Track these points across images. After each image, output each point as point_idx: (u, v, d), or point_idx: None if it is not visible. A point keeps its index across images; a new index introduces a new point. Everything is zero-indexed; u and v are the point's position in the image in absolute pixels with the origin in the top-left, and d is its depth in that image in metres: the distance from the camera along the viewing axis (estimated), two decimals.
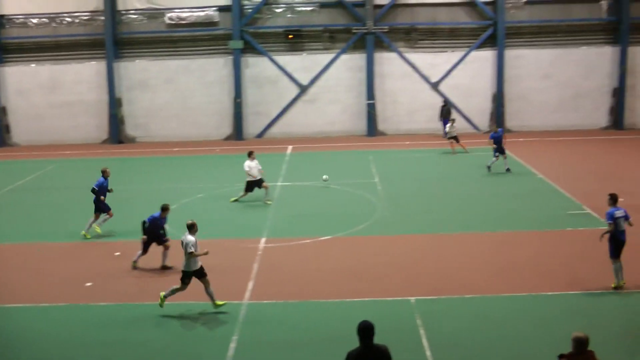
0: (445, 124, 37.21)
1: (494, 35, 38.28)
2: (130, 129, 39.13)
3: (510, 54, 38.59)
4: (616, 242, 15.69)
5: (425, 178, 27.96)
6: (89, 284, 16.88)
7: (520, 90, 39.00)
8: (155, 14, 38.23)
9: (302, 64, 38.67)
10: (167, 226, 18.26)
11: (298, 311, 14.99)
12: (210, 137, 38.89)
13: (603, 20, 39.20)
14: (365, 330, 8.77)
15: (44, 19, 38.54)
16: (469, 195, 25.07)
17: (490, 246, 19.21)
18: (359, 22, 38.16)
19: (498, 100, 38.52)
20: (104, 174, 21.17)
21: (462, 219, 22.01)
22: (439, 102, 38.29)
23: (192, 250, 14.52)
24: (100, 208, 20.89)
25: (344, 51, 38.45)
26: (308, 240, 19.96)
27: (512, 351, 12.94)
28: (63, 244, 20.67)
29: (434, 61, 38.71)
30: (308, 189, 26.68)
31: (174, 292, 14.92)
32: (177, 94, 38.67)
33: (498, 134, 28.95)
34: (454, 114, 36.84)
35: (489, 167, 28.66)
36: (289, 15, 38.48)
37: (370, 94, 38.37)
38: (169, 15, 38.01)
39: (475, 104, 39.00)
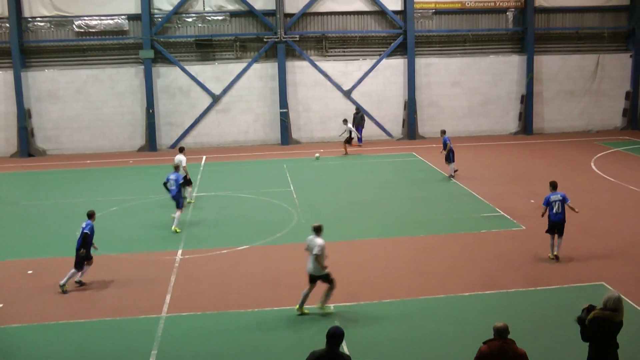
0: (358, 131, 37.73)
1: (404, 43, 39.07)
2: (40, 142, 37.96)
3: (421, 62, 39.45)
4: (549, 221, 18.33)
5: (341, 185, 28.22)
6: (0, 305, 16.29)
7: (431, 97, 39.92)
8: (63, 22, 37.24)
9: (214, 73, 38.43)
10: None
11: (217, 322, 14.84)
12: (123, 148, 38.17)
13: (509, 30, 40.61)
14: (334, 336, 9.12)
15: None
16: (384, 201, 25.44)
17: (406, 251, 19.57)
18: (270, 31, 38.26)
19: (410, 107, 39.21)
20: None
21: (378, 224, 22.33)
22: (351, 109, 38.77)
23: (318, 253, 14.44)
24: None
25: (255, 60, 38.42)
26: (225, 251, 19.81)
27: (431, 352, 13.26)
28: None
29: (345, 69, 39.20)
30: (224, 199, 26.47)
31: (306, 296, 14.89)
32: (87, 104, 37.77)
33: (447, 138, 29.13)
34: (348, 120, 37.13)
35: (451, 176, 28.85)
36: (199, 25, 38.19)
37: (283, 102, 38.47)
38: (77, 23, 37.12)
39: (387, 111, 39.72)
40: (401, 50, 39.44)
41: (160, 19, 37.55)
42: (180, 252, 19.81)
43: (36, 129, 37.70)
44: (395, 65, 39.47)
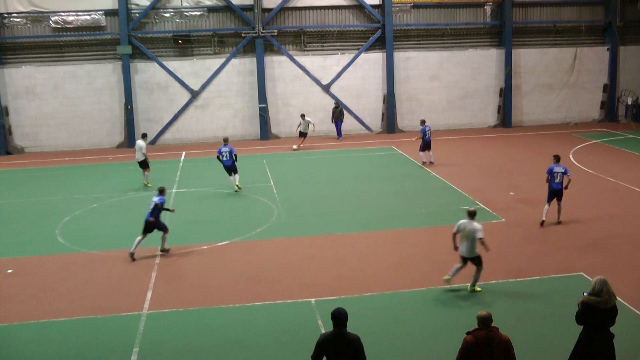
0: (338, 126, 37.80)
1: (382, 37, 39.14)
2: (18, 139, 37.63)
3: (400, 56, 39.53)
4: (550, 189, 20.92)
5: (321, 180, 28.24)
6: None
7: (410, 91, 40.04)
8: (39, 18, 36.87)
9: (192, 69, 38.29)
10: None
11: (198, 318, 14.81)
12: (101, 145, 37.98)
13: (487, 24, 40.84)
14: (338, 316, 9.60)
15: None
16: (363, 195, 25.50)
17: (385, 244, 19.62)
18: (248, 26, 38.15)
19: (389, 101, 39.30)
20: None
21: (357, 218, 22.37)
22: (330, 104, 38.83)
23: (482, 236, 15.15)
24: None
25: (233, 55, 38.31)
26: (205, 247, 19.77)
27: (412, 345, 13.30)
28: None
29: (324, 63, 39.21)
30: (204, 195, 26.41)
31: (458, 270, 15.74)
32: (65, 101, 37.47)
33: (424, 128, 29.96)
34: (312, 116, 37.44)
35: (424, 163, 30.24)
36: (177, 20, 37.99)
37: (262, 97, 38.42)
38: (53, 18, 36.77)
39: (366, 105, 39.77)
40: (380, 44, 39.50)
41: (137, 15, 37.29)
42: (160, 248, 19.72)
43: (14, 127, 37.37)
44: (373, 59, 39.52)
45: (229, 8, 38.08)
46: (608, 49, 42.68)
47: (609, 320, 10.35)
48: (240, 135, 38.86)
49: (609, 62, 42.77)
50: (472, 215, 15.47)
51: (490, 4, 40.56)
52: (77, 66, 37.41)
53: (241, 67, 38.61)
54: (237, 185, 26.26)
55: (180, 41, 37.91)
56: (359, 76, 39.57)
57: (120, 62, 37.27)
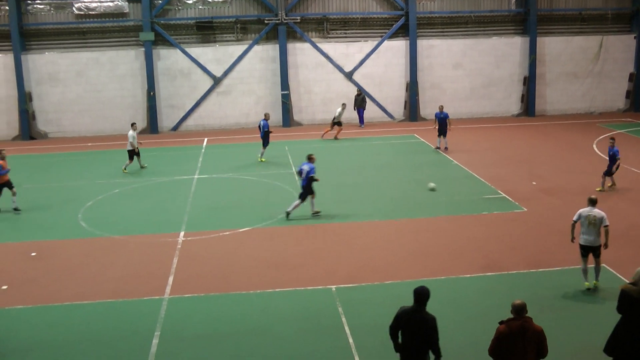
0: (360, 113, 37.69)
1: (405, 25, 38.88)
2: (41, 125, 37.93)
3: (423, 44, 39.29)
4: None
5: (342, 167, 28.18)
6: (4, 287, 16.26)
7: (433, 79, 39.83)
8: (62, 4, 37.06)
9: (215, 55, 38.31)
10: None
11: (219, 304, 14.89)
12: (124, 131, 37.69)
13: (512, 12, 40.44)
14: (420, 294, 9.90)
15: None
16: (385, 183, 25.43)
17: (407, 233, 19.56)
18: (270, 12, 38.08)
19: (412, 88, 39.13)
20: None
21: (379, 206, 22.32)
22: (353, 91, 38.71)
23: (608, 224, 14.64)
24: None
25: (256, 42, 38.28)
26: (227, 233, 19.84)
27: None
28: None
29: (347, 51, 39.05)
30: (225, 181, 26.48)
31: (586, 271, 15.06)
32: (88, 87, 37.70)
33: (443, 114, 30.40)
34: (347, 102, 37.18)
35: (437, 148, 30.77)
36: (200, 7, 38.01)
37: (285, 84, 38.38)
38: (76, 5, 36.93)
39: (389, 92, 39.62)
40: (403, 31, 39.28)
41: (160, 1, 37.36)
42: (182, 234, 19.85)
43: (37, 112, 37.66)
44: (397, 47, 39.32)
45: None
46: (635, 37, 41.99)
47: None
48: None
49: (635, 51, 42.08)
50: (593, 202, 14.95)
51: None
52: (100, 53, 37.58)
53: (264, 54, 38.58)
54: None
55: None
56: (382, 64, 39.39)
57: (143, 49, 37.39)
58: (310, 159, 21.32)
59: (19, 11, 36.66)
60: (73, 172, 28.96)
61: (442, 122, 30.51)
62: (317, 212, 21.16)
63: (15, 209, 22.46)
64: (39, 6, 37.07)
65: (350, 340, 12.96)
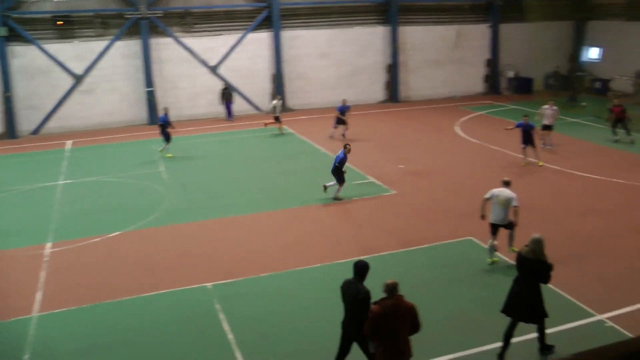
0: (228, 106, 37.40)
1: (269, 17, 38.75)
2: None
3: (287, 35, 39.38)
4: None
5: (211, 163, 27.79)
6: None
7: (299, 69, 40.01)
8: None
9: (75, 52, 36.62)
10: None
11: (94, 315, 14.19)
12: None
13: (374, 2, 41.34)
14: (359, 268, 10.39)
15: None
16: (257, 176, 25.32)
17: (280, 223, 19.57)
18: (132, 7, 36.89)
19: (278, 80, 39.19)
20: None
21: (252, 199, 22.20)
22: (219, 85, 38.29)
23: (517, 204, 15.22)
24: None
25: (118, 37, 36.96)
26: (97, 239, 18.98)
27: (312, 322, 13.37)
28: None
29: (211, 44, 38.51)
30: (92, 185, 25.31)
31: (493, 246, 15.74)
32: None
33: (345, 107, 30.88)
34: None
35: (331, 137, 31.17)
36: (56, 0, 36.37)
37: (149, 81, 37.42)
38: None
39: (255, 85, 39.49)
40: (267, 23, 39.19)
41: None
42: (49, 245, 18.74)
43: None
44: (261, 39, 39.20)
45: None
46: (489, 27, 44.06)
47: (532, 271, 11.12)
48: (129, 121, 37.58)
49: (490, 39, 44.25)
50: (507, 183, 15.71)
51: None
52: None
53: (126, 50, 37.34)
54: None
55: (59, 22, 36.24)
56: (247, 56, 39.16)
57: None
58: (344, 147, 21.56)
59: None
60: None
61: (343, 113, 31.14)
62: (339, 199, 21.46)
63: None
64: None
65: (230, 336, 12.82)
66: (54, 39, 36.41)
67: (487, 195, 15.75)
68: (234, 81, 38.89)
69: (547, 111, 27.98)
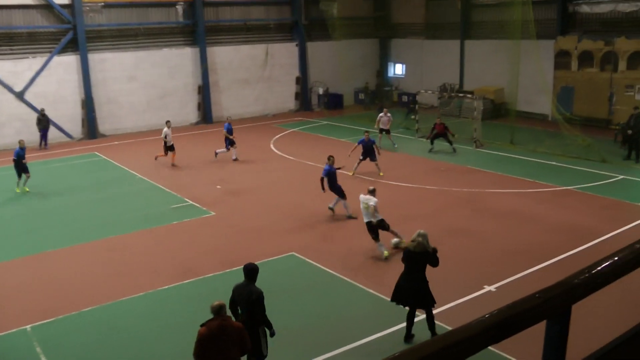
0: (44, 135, 35.51)
1: (75, 39, 37.54)
2: None
3: (95, 58, 38.32)
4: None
5: (23, 196, 26.08)
6: None
7: (108, 93, 39.05)
8: None
9: None
10: None
11: None
12: None
13: (180, 23, 41.21)
14: (248, 271, 11.14)
15: None
16: (72, 206, 24.37)
17: (100, 254, 18.95)
18: None
19: (88, 105, 38.01)
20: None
21: (69, 231, 21.32)
22: (27, 112, 36.27)
23: (375, 204, 17.17)
24: None
25: None
26: None
27: (138, 352, 13.16)
28: None
29: (15, 69, 36.33)
30: None
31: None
32: None
33: (228, 126, 30.50)
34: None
35: (216, 154, 30.71)
36: None
37: None
38: None
39: (65, 111, 37.85)
40: (73, 46, 37.87)
41: None
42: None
43: None
44: (68, 63, 37.82)
45: None
46: (297, 45, 45.46)
47: (421, 263, 12.45)
48: None
49: (298, 57, 45.68)
50: (372, 192, 17.61)
51: (182, 3, 40.99)
52: None
53: None
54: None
55: None
56: (54, 81, 37.54)
57: None
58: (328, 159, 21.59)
59: None
60: None
61: (230, 133, 30.58)
62: (354, 217, 21.04)
63: None
64: None
65: None
66: None
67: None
68: (42, 107, 37.01)
69: (383, 118, 31.73)
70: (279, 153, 31.44)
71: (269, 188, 25.40)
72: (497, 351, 11.21)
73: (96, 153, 33.91)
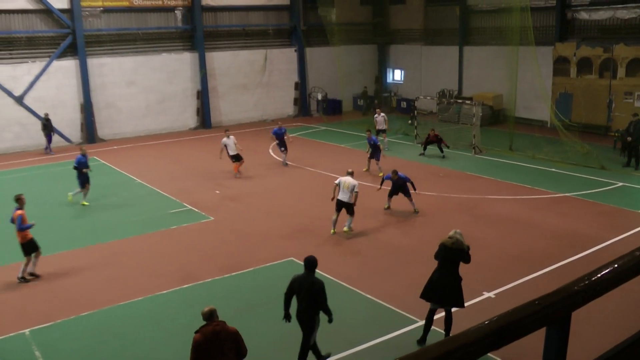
0: (49, 138, 35.46)
1: (74, 43, 37.58)
2: None
3: (94, 63, 38.36)
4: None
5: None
6: None
7: (107, 98, 39.09)
8: None
9: None
10: None
11: None
12: None
13: (179, 28, 41.27)
14: (309, 262, 11.70)
15: None
16: (71, 211, 24.30)
17: (99, 259, 18.94)
18: None
19: (87, 109, 38.02)
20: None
21: (68, 236, 21.32)
22: (26, 116, 36.31)
23: (357, 190, 19.43)
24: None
25: None
26: None
27: (138, 357, 13.14)
28: None
29: (14, 73, 36.37)
30: None
31: (335, 221, 19.99)
32: None
33: (281, 130, 29.96)
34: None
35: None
36: None
37: None
38: None
39: (64, 115, 37.86)
40: (72, 50, 37.92)
41: None
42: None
43: None
44: (67, 67, 37.86)
45: None
46: (295, 50, 45.49)
47: (456, 259, 12.73)
48: None
49: (297, 62, 45.69)
50: (351, 173, 19.93)
51: (181, 8, 41.05)
52: None
53: None
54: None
55: None
56: (54, 85, 37.56)
57: None
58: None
59: None
60: None
61: (281, 137, 30.04)
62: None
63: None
64: None
65: None
66: None
67: (336, 182, 19.86)
68: (41, 112, 36.82)
69: (378, 118, 32.62)
70: (278, 159, 31.42)
71: (268, 193, 25.41)
72: (496, 358, 11.17)
73: (95, 157, 33.81)
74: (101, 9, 38.54)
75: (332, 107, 46.41)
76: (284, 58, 45.41)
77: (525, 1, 32.09)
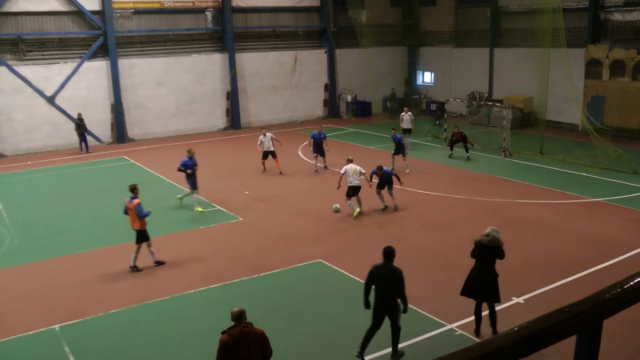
0: (83, 139, 35.85)
1: (105, 45, 37.95)
2: None
3: (124, 63, 38.73)
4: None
5: (55, 198, 26.60)
6: None
7: (137, 98, 39.42)
8: None
9: None
10: None
11: None
12: None
13: (209, 30, 41.47)
14: (388, 252, 12.17)
15: None
16: (101, 209, 24.50)
17: (128, 256, 18.76)
18: None
19: (117, 110, 38.39)
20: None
21: (97, 234, 21.52)
22: (57, 116, 36.85)
23: (365, 171, 22.19)
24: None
25: None
26: None
27: (165, 355, 13.22)
28: None
29: (46, 73, 36.95)
30: None
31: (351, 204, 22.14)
32: None
33: (320, 135, 29.47)
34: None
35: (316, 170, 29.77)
36: None
37: None
38: None
39: (94, 115, 38.28)
40: (103, 51, 38.32)
41: None
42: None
43: None
44: (98, 68, 38.27)
45: None
46: (325, 52, 45.50)
47: (492, 256, 13.05)
48: None
49: (327, 64, 45.68)
50: (350, 161, 22.53)
51: (211, 9, 41.26)
52: None
53: None
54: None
55: None
56: (84, 86, 37.98)
57: None
58: (378, 168, 22.46)
59: None
60: None
61: (319, 143, 29.44)
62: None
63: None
64: None
65: None
66: None
67: (342, 172, 22.11)
68: (72, 112, 37.25)
69: (405, 117, 32.94)
70: (307, 160, 31.44)
71: (297, 194, 25.43)
72: None
73: (125, 157, 34.24)
74: (132, 10, 38.88)
75: (361, 109, 46.30)
76: (314, 59, 45.45)
77: (557, 2, 31.65)
